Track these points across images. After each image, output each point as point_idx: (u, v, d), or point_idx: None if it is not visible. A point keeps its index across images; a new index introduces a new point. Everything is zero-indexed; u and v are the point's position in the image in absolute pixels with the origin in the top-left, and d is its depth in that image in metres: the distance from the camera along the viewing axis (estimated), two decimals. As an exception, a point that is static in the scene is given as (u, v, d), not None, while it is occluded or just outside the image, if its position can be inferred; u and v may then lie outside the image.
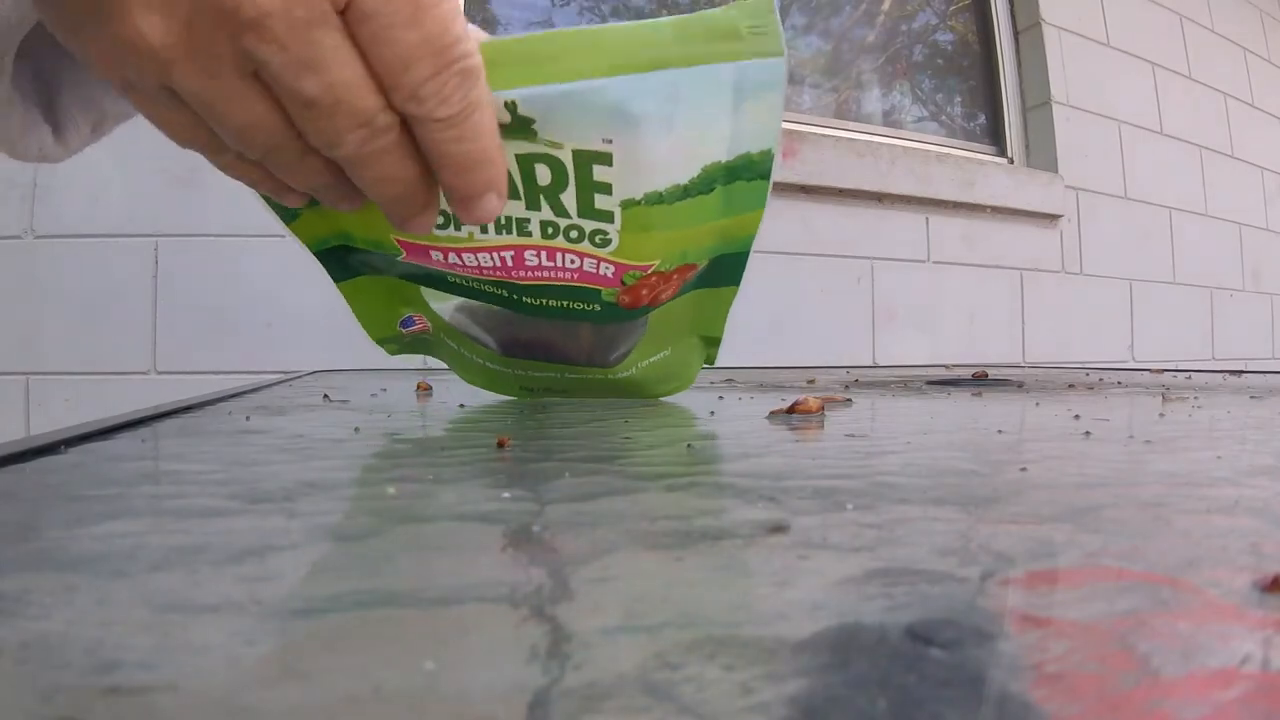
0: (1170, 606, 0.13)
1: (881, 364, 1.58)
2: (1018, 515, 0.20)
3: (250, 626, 0.12)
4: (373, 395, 0.58)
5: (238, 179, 0.28)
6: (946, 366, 1.42)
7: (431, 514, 0.21)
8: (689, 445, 0.33)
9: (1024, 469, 0.27)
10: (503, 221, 0.34)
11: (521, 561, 0.16)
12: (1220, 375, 0.94)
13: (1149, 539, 0.18)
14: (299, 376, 0.95)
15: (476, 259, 0.36)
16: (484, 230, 0.35)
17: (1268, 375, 0.96)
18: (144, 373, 1.19)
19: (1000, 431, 0.39)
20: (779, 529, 0.18)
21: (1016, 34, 1.89)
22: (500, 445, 0.32)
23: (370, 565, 0.16)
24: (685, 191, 0.33)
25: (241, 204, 1.21)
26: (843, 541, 0.17)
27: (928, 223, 1.66)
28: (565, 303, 0.39)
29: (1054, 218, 1.80)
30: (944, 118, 1.91)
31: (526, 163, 0.31)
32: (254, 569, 0.15)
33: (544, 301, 0.39)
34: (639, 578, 0.15)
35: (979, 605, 0.13)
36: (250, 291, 1.22)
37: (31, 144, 0.32)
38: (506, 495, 0.23)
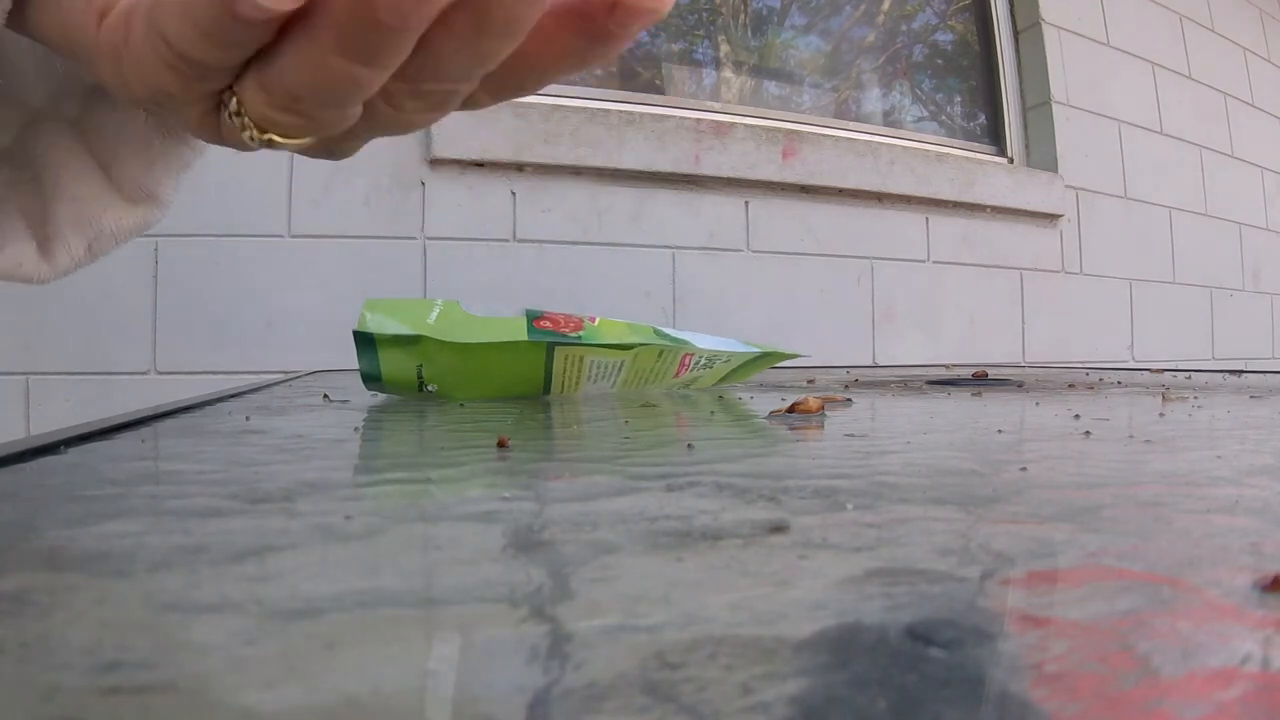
0: (1170, 606, 0.13)
1: (881, 364, 1.58)
2: (1018, 515, 0.20)
3: (250, 626, 0.12)
4: (373, 395, 0.58)
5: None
6: (946, 366, 1.42)
7: (432, 514, 0.21)
8: (689, 445, 0.33)
9: (1024, 469, 0.27)
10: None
11: (521, 561, 0.16)
12: (1220, 375, 0.95)
13: (1149, 539, 0.18)
14: (299, 376, 0.95)
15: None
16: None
17: (1268, 375, 0.96)
18: (144, 373, 1.19)
19: (1000, 431, 0.39)
20: (779, 529, 0.18)
21: (1016, 34, 1.89)
22: (500, 445, 0.32)
23: (370, 565, 0.16)
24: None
25: (242, 204, 1.22)
26: (843, 541, 0.17)
27: (927, 223, 1.66)
28: None
29: (1054, 218, 1.80)
30: (944, 118, 1.91)
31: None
32: (254, 569, 0.15)
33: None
34: (639, 578, 0.15)
35: (979, 605, 0.13)
36: (250, 291, 1.22)
37: (6, 258, 0.29)
38: (507, 495, 0.23)
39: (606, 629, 0.12)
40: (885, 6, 1.86)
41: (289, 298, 1.23)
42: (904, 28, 1.90)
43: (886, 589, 0.14)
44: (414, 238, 1.30)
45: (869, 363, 1.58)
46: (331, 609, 0.13)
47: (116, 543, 0.17)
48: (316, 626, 0.12)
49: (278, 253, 1.22)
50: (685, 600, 0.14)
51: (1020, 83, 1.88)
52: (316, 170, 1.24)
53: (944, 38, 1.94)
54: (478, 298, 1.32)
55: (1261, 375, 0.95)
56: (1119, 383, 0.80)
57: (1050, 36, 1.83)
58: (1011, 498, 0.23)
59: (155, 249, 1.19)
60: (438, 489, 0.24)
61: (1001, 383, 0.81)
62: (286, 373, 1.15)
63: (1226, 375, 0.94)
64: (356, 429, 0.41)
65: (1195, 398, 0.59)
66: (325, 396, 0.59)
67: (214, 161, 1.24)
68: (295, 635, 0.12)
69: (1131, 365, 1.84)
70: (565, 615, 0.13)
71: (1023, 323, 1.76)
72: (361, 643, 0.12)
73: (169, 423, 0.42)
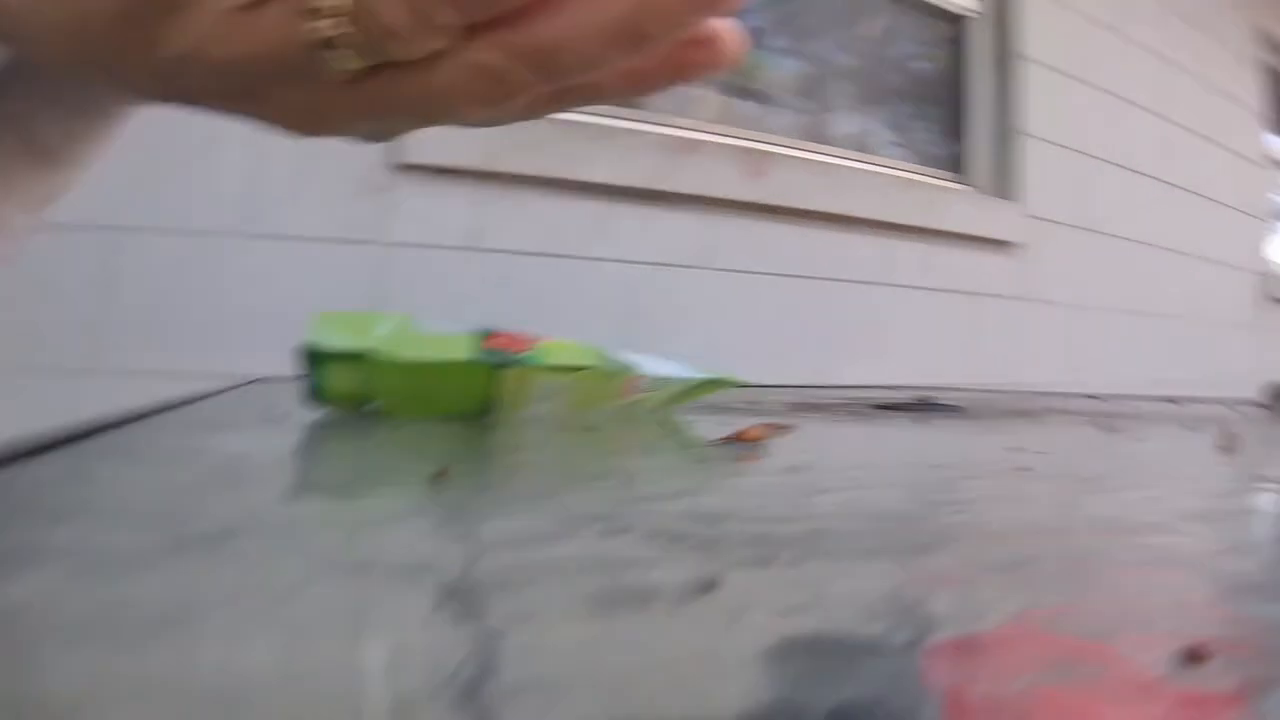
0: (1091, 681, 0.13)
1: (836, 384, 1.60)
2: (949, 570, 0.20)
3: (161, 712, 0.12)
4: (317, 412, 0.57)
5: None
6: (893, 390, 1.44)
7: (358, 566, 0.20)
8: (628, 478, 0.33)
9: (960, 511, 0.28)
10: None
11: (445, 630, 0.16)
12: (1160, 404, 0.97)
13: (1080, 595, 0.18)
14: (247, 384, 0.92)
15: None
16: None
17: (1204, 404, 0.99)
18: (89, 371, 1.15)
19: (937, 466, 0.40)
20: (709, 587, 0.18)
21: (990, 65, 1.93)
22: (438, 476, 0.31)
23: (284, 634, 0.15)
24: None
25: (201, 201, 1.19)
26: (772, 600, 0.17)
27: (889, 246, 1.69)
28: None
29: (1013, 246, 1.84)
30: (912, 144, 1.95)
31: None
32: (166, 640, 0.15)
33: None
34: (565, 654, 0.15)
35: (905, 679, 0.13)
36: (205, 292, 1.19)
37: None
38: (434, 542, 0.22)
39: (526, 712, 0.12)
40: (859, 33, 1.89)
41: (247, 299, 1.20)
42: (876, 55, 1.93)
43: (813, 661, 0.14)
44: (378, 243, 1.28)
45: (824, 383, 1.60)
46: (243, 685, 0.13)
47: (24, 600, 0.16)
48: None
49: (236, 254, 1.19)
50: (611, 680, 0.13)
51: (988, 113, 1.92)
52: (280, 171, 1.22)
53: (917, 67, 1.97)
54: (440, 306, 1.31)
55: (1199, 404, 0.98)
56: (1064, 410, 0.82)
57: (1021, 69, 1.88)
58: (946, 545, 0.23)
59: (106, 245, 1.16)
60: (365, 535, 0.24)
61: (946, 408, 0.82)
62: (236, 376, 1.13)
63: (1166, 404, 0.97)
64: (294, 452, 0.40)
65: (1138, 428, 0.60)
66: (269, 412, 0.58)
67: (176, 154, 1.19)
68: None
69: (1081, 392, 1.89)
70: (488, 694, 0.13)
71: (978, 348, 1.80)
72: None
73: (100, 441, 0.41)
